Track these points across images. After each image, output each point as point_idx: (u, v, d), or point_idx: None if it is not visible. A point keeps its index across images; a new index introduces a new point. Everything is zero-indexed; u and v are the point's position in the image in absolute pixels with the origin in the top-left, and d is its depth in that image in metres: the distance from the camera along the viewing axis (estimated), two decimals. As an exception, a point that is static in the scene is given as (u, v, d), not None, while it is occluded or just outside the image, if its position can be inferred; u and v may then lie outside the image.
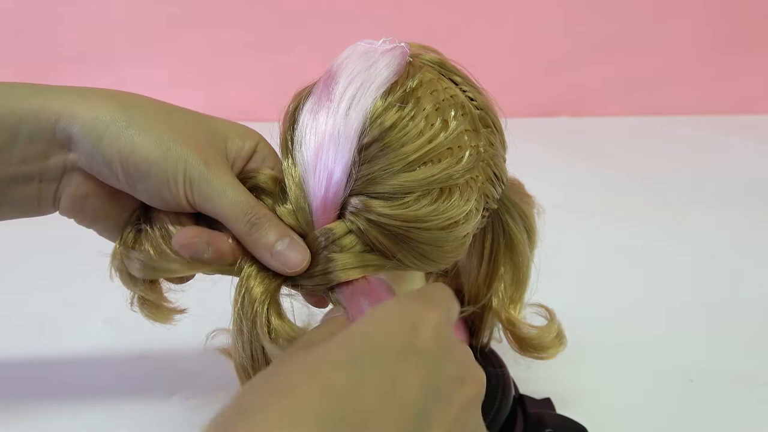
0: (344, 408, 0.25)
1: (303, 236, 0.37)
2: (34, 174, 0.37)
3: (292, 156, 0.37)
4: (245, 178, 0.39)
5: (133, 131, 0.35)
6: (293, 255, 0.36)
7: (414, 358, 0.28)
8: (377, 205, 0.35)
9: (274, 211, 0.38)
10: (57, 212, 0.39)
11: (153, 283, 0.39)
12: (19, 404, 0.54)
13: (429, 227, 0.36)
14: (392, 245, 0.36)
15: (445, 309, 0.31)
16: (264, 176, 0.39)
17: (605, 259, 0.75)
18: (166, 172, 0.35)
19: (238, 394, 0.27)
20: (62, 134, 0.36)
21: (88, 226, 0.40)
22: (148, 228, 0.38)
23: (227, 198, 0.36)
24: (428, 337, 0.29)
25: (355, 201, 0.36)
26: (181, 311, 0.41)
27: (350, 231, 0.36)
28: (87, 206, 0.39)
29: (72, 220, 0.40)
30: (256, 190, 0.38)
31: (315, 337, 0.32)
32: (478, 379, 0.31)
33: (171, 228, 0.37)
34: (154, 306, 0.40)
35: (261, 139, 0.41)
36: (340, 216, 0.37)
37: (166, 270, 0.37)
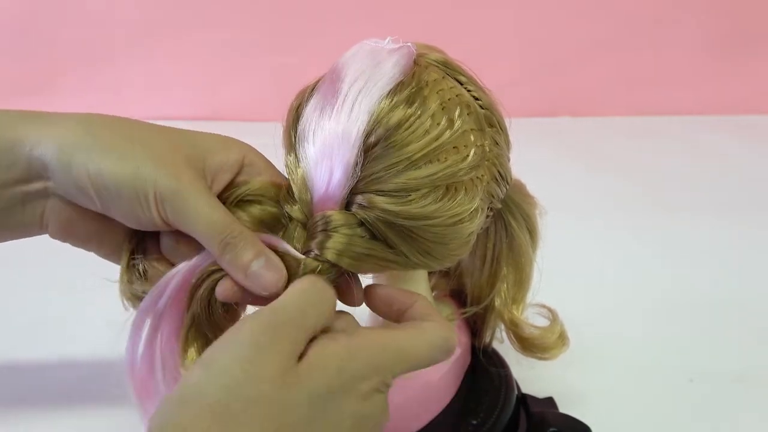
0: None
1: (304, 224, 0.37)
2: (16, 199, 0.37)
3: (295, 152, 0.37)
4: (236, 191, 0.38)
5: (99, 154, 0.35)
6: (268, 275, 0.35)
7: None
8: (382, 202, 0.35)
9: (283, 212, 0.37)
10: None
11: None
12: (20, 405, 0.54)
13: (434, 224, 0.36)
14: (399, 240, 0.36)
15: None
16: (257, 184, 0.38)
17: (606, 259, 0.75)
18: (136, 190, 0.35)
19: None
20: (37, 162, 0.36)
21: (85, 249, 0.40)
22: (145, 264, 0.38)
23: (200, 216, 0.35)
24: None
25: (360, 199, 0.36)
26: None
27: (360, 224, 0.36)
28: (75, 231, 0.39)
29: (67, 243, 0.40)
30: (252, 201, 0.38)
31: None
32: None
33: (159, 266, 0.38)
34: None
35: (249, 151, 0.40)
36: (347, 210, 0.36)
37: None
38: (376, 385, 0.32)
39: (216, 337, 0.35)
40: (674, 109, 1.19)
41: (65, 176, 0.35)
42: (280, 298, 0.33)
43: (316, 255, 0.36)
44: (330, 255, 0.36)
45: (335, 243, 0.35)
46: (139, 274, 0.38)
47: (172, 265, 0.38)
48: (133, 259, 0.39)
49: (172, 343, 0.36)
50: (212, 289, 0.36)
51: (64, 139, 0.35)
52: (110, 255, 0.40)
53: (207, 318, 0.37)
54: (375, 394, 0.32)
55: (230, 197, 0.38)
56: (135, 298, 0.39)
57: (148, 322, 0.36)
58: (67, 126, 0.36)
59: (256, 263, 0.35)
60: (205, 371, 0.30)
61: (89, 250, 0.40)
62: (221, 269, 0.36)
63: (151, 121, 0.39)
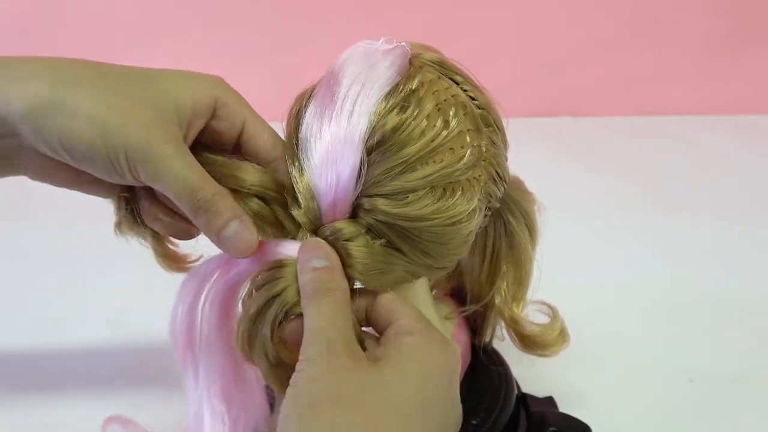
0: None
1: (314, 232, 0.37)
2: None
3: (298, 161, 0.37)
4: (234, 181, 0.37)
5: (67, 118, 0.34)
6: (241, 240, 0.35)
7: (449, 410, 0.33)
8: (381, 204, 0.35)
9: (288, 213, 0.37)
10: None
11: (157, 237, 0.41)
12: (20, 405, 0.54)
13: (432, 225, 0.36)
14: (400, 242, 0.36)
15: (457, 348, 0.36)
16: (257, 179, 0.37)
17: (605, 259, 0.75)
18: (107, 154, 0.34)
19: (316, 420, 0.30)
20: (3, 122, 0.35)
21: (68, 189, 0.39)
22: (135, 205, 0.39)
23: (172, 178, 0.34)
24: (456, 386, 0.34)
25: (365, 202, 0.36)
26: (195, 259, 0.42)
27: (367, 230, 0.36)
28: (54, 177, 0.38)
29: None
30: (253, 196, 0.37)
31: (354, 341, 0.34)
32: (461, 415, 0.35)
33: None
34: (167, 257, 0.42)
35: (221, 91, 0.38)
36: (353, 217, 0.36)
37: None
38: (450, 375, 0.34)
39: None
40: (674, 109, 1.19)
41: (35, 138, 0.35)
42: (320, 321, 0.34)
43: None
44: (358, 276, 0.36)
45: (357, 257, 0.36)
46: (131, 216, 0.39)
47: (164, 205, 0.38)
48: (124, 199, 0.39)
49: (213, 319, 0.37)
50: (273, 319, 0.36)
51: (31, 101, 0.34)
52: (94, 193, 0.39)
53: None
54: (453, 382, 0.34)
55: (228, 185, 0.37)
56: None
57: (192, 290, 0.37)
58: (33, 84, 0.35)
59: (229, 227, 0.35)
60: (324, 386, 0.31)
61: (72, 189, 0.39)
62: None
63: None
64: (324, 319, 0.33)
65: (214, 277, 0.37)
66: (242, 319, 0.36)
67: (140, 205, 0.39)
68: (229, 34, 1.15)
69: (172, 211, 0.38)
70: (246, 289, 0.37)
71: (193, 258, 0.43)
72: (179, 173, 0.34)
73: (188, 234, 0.40)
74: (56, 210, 0.81)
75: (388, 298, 0.37)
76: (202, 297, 0.37)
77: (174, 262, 0.43)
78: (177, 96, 0.36)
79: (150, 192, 0.38)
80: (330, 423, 0.30)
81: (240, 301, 0.38)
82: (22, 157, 0.37)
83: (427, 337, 0.34)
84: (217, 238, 0.35)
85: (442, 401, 0.33)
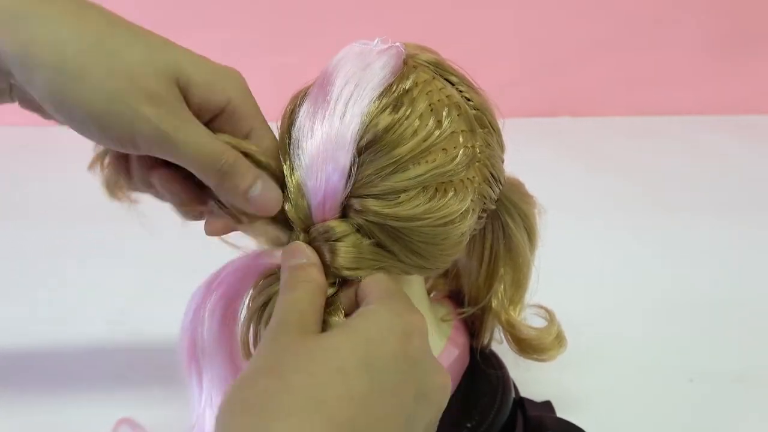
0: (363, 414, 0.28)
1: (305, 231, 0.37)
2: None
3: (290, 159, 0.37)
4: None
5: (68, 84, 0.31)
6: (268, 198, 0.36)
7: (410, 368, 0.31)
8: (372, 205, 0.35)
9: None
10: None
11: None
12: (20, 404, 0.54)
13: (424, 225, 0.36)
14: (390, 242, 0.36)
15: (423, 317, 0.34)
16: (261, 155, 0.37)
17: (605, 259, 0.75)
18: (114, 130, 0.32)
19: (249, 388, 0.28)
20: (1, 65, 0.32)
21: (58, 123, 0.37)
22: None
23: (192, 151, 0.34)
24: (418, 346, 0.32)
25: (355, 203, 0.36)
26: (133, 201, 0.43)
27: (356, 230, 0.36)
28: (45, 114, 0.36)
29: None
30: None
31: (311, 323, 0.33)
32: (449, 384, 0.34)
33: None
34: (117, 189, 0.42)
35: (236, 93, 0.36)
36: (343, 216, 0.36)
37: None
38: (407, 332, 0.32)
39: None
40: (674, 109, 1.19)
41: (30, 90, 0.33)
42: (279, 312, 0.33)
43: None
44: (344, 272, 0.36)
45: (345, 257, 0.35)
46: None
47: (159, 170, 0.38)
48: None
49: (214, 327, 0.38)
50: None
51: (26, 48, 0.31)
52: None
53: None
54: (414, 344, 0.32)
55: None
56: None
57: (197, 301, 0.38)
58: (31, 23, 0.31)
59: (255, 187, 0.36)
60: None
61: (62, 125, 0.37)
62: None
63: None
64: (282, 308, 0.33)
65: (217, 288, 0.38)
66: (244, 323, 0.37)
67: (133, 170, 0.38)
68: (229, 34, 1.15)
69: (175, 176, 0.37)
70: (249, 296, 0.38)
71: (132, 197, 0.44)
72: (198, 143, 0.34)
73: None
74: (56, 210, 0.81)
75: (370, 280, 0.36)
76: (204, 307, 0.38)
77: (122, 194, 0.43)
78: (189, 79, 0.35)
79: (146, 160, 0.37)
80: (255, 390, 0.28)
81: (245, 308, 0.38)
82: (15, 92, 0.35)
83: (382, 304, 0.33)
84: (245, 200, 0.36)
85: (395, 358, 0.30)
